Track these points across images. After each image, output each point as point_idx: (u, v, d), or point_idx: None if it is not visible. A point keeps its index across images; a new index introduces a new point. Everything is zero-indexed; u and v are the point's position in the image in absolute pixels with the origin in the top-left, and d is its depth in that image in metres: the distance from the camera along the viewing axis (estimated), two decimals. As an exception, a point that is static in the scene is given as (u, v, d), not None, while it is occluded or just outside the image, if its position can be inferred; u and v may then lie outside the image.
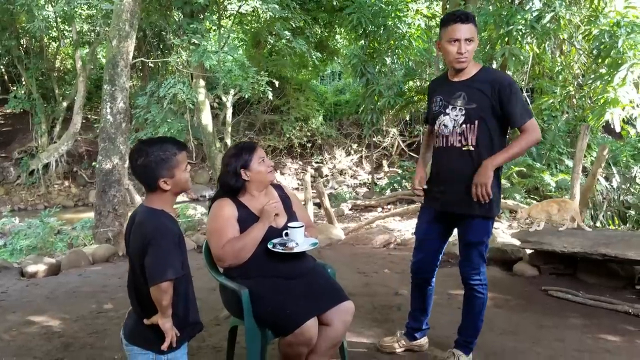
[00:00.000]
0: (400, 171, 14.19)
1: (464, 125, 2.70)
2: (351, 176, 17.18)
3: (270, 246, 2.51)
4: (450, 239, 3.11)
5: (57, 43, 16.61)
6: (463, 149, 2.72)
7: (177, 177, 1.99)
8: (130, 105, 8.73)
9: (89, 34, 15.56)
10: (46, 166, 14.82)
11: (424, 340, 3.18)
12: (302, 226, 2.58)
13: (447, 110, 2.76)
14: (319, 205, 8.95)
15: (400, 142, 16.74)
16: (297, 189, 14.74)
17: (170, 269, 1.86)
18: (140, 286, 1.95)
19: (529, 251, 5.07)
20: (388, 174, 15.75)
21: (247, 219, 2.57)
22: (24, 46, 15.83)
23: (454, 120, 2.73)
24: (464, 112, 2.70)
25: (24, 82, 15.40)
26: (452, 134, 2.74)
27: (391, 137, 16.80)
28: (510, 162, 9.51)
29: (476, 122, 2.68)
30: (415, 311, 3.14)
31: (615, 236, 4.62)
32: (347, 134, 18.24)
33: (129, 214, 7.93)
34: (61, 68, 17.70)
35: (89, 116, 16.45)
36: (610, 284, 4.48)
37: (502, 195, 3.62)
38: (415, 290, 3.10)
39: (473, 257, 2.83)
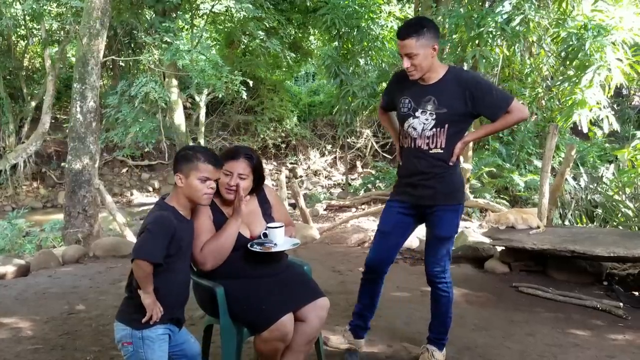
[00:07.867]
0: (374, 172, 14.28)
1: (434, 129, 2.72)
2: (325, 177, 17.17)
3: (251, 247, 2.46)
4: (422, 237, 3.14)
5: (26, 41, 16.22)
6: (430, 151, 2.75)
7: (190, 180, 2.13)
8: (100, 105, 8.60)
9: (58, 32, 15.23)
10: (14, 167, 14.42)
11: (364, 341, 3.11)
12: (282, 226, 2.53)
13: (417, 114, 2.74)
14: (294, 205, 8.94)
15: (374, 143, 16.82)
16: (271, 189, 14.67)
17: (148, 251, 2.02)
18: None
19: (499, 248, 5.16)
20: (362, 175, 15.82)
21: (220, 222, 2.50)
22: (-9, 44, 15.44)
23: (424, 123, 2.73)
24: (434, 116, 2.70)
25: (-10, 82, 15.01)
26: (421, 137, 2.75)
27: (365, 138, 16.87)
28: (481, 163, 9.78)
29: (446, 125, 2.70)
30: (364, 309, 3.05)
31: (583, 233, 4.76)
32: (322, 135, 18.22)
33: (100, 214, 7.83)
34: (30, 67, 17.26)
35: (58, 116, 16.08)
36: (578, 280, 4.60)
37: (468, 191, 3.67)
38: (367, 286, 3.02)
39: (439, 252, 2.85)
